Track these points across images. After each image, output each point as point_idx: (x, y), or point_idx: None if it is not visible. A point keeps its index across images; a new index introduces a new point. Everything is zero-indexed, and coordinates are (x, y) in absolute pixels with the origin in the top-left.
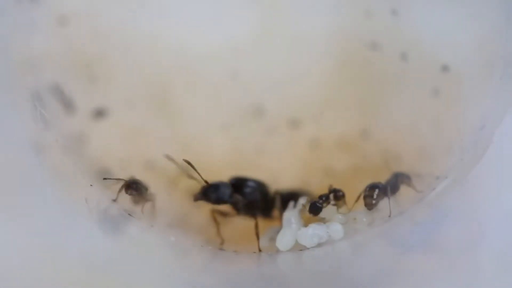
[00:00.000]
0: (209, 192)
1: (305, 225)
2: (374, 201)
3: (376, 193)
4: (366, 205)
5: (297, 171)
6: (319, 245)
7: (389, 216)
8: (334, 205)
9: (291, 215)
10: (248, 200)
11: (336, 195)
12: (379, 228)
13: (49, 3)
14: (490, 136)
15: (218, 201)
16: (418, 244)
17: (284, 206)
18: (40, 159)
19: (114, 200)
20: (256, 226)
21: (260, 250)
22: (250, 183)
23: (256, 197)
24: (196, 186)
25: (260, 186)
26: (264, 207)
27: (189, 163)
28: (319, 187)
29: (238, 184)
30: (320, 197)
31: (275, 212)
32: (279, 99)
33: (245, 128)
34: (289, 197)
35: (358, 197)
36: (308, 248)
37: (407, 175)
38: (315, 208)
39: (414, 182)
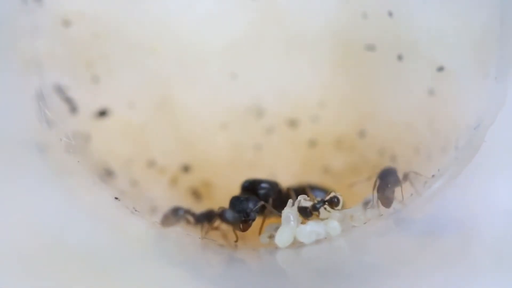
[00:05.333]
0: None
1: (303, 222)
2: (390, 198)
3: (388, 190)
4: (383, 204)
5: (295, 170)
6: (317, 241)
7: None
8: (328, 211)
9: (290, 212)
10: (264, 201)
11: (331, 203)
12: (375, 225)
13: (53, 4)
14: (484, 135)
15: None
16: (414, 241)
17: None
18: (43, 158)
19: (117, 198)
20: (263, 224)
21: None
22: (264, 185)
23: (270, 196)
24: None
25: (273, 186)
26: (277, 206)
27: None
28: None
29: (252, 186)
30: (314, 205)
31: None
32: (277, 99)
33: (244, 127)
34: (300, 192)
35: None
36: (306, 245)
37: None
38: (304, 213)
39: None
